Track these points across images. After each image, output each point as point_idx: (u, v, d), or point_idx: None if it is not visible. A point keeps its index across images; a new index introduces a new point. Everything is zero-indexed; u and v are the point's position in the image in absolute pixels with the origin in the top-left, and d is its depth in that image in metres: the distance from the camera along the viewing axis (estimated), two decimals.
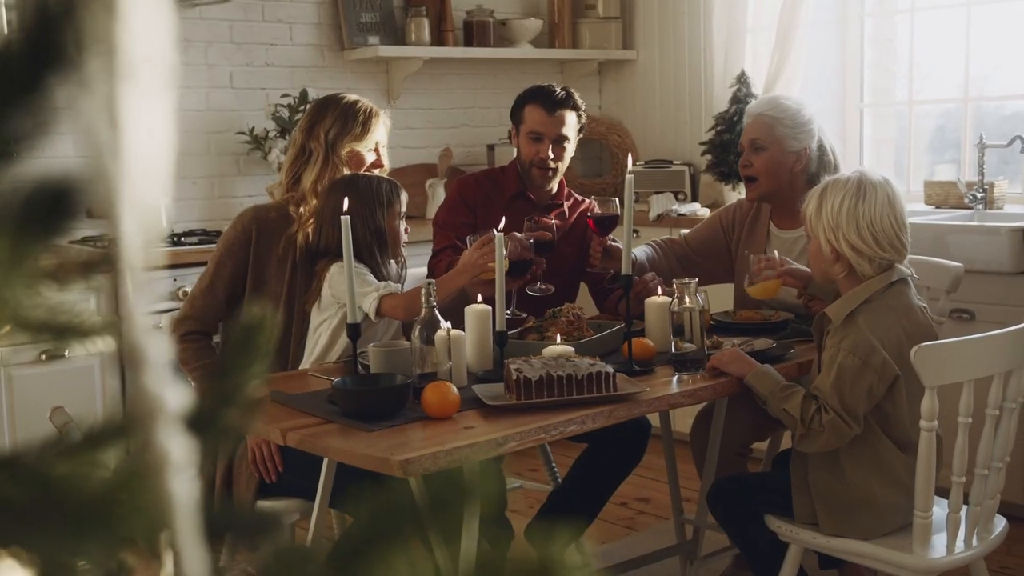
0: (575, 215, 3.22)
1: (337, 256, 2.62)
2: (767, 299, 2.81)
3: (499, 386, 2.23)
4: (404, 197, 2.74)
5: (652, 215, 4.50)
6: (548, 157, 3.04)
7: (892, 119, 4.83)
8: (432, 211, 4.64)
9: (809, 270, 2.70)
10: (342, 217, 2.26)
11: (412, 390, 2.14)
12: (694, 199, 4.85)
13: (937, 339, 2.30)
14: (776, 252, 2.81)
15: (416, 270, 3.27)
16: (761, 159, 2.94)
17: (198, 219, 4.28)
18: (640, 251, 3.01)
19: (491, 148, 4.93)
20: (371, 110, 2.78)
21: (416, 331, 2.22)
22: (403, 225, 2.73)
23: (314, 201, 2.70)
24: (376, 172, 2.81)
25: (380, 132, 2.80)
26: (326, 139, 2.71)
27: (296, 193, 2.73)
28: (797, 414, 2.21)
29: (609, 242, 2.89)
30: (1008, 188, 4.20)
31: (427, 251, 3.57)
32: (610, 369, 2.17)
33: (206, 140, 4.31)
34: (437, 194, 4.64)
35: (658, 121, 5.21)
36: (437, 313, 2.24)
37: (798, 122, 2.95)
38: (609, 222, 2.85)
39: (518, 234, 2.71)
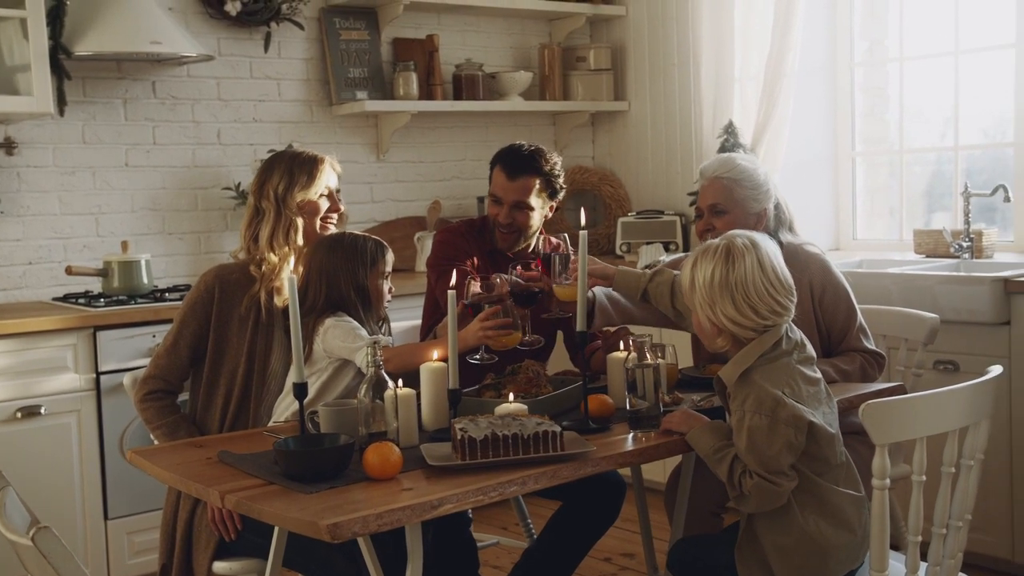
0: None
1: (326, 312, 2.63)
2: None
3: (449, 445, 2.20)
4: (390, 257, 2.75)
5: (640, 265, 4.47)
6: (504, 222, 3.02)
7: (885, 167, 4.80)
8: (421, 264, 4.65)
9: (612, 268, 2.69)
10: (288, 277, 2.27)
11: (359, 450, 2.12)
12: (685, 249, 4.83)
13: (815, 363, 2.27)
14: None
15: (406, 323, 3.26)
16: (723, 222, 2.86)
17: (185, 274, 4.30)
18: (600, 296, 2.85)
19: (481, 200, 4.93)
20: (316, 158, 2.81)
21: (363, 390, 2.20)
22: (387, 285, 2.73)
23: (271, 256, 2.71)
24: (334, 217, 2.84)
25: (329, 177, 2.82)
26: (275, 195, 2.74)
27: (256, 252, 2.74)
28: (725, 478, 2.16)
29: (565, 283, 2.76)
30: (997, 237, 4.16)
31: (416, 304, 3.58)
32: (557, 428, 2.14)
33: (193, 196, 4.34)
34: (426, 247, 4.64)
35: (650, 171, 5.20)
36: (384, 372, 2.23)
37: (756, 183, 2.91)
38: (563, 263, 2.69)
39: (504, 275, 2.68)
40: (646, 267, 4.42)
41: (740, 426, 2.15)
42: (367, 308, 2.69)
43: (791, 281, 2.24)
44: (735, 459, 2.16)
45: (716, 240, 2.26)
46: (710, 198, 2.91)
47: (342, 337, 2.58)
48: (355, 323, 2.63)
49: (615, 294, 2.87)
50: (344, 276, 2.67)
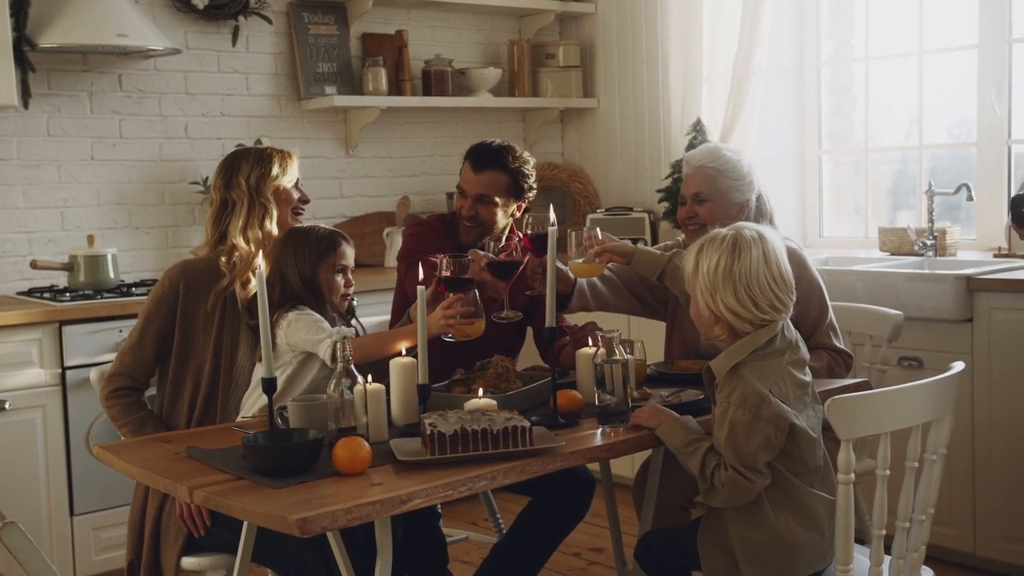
0: (525, 260, 3.19)
1: (286, 306, 2.62)
2: (590, 276, 2.78)
3: (418, 440, 2.21)
4: (345, 250, 2.72)
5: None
6: (467, 215, 3.03)
7: (851, 165, 4.85)
8: (390, 259, 4.65)
9: (631, 245, 2.71)
10: (256, 271, 2.26)
11: (328, 445, 2.12)
12: (653, 245, 4.84)
13: (807, 366, 2.28)
14: (598, 230, 2.75)
15: (375, 319, 3.26)
16: (705, 210, 2.92)
17: (152, 269, 4.27)
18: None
19: (450, 196, 4.93)
20: (284, 151, 2.83)
21: (332, 385, 2.20)
22: (342, 278, 2.71)
23: (243, 245, 2.70)
24: (304, 208, 2.86)
25: (297, 170, 2.84)
26: (248, 185, 2.73)
27: (224, 246, 2.72)
28: (697, 470, 2.18)
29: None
30: (960, 235, 4.21)
31: (386, 299, 3.57)
32: (526, 423, 2.15)
33: (160, 190, 4.31)
34: (395, 242, 4.64)
35: (619, 168, 5.23)
36: (353, 367, 2.23)
37: (740, 174, 2.94)
38: (546, 240, 2.67)
39: (480, 251, 2.69)
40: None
41: (723, 418, 2.17)
42: (319, 301, 2.67)
43: (792, 279, 2.26)
44: (708, 452, 2.18)
45: (724, 229, 2.27)
46: (694, 187, 2.95)
47: (305, 330, 2.57)
48: (317, 316, 2.62)
49: (599, 283, 2.90)
50: (292, 269, 2.65)
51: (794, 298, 2.26)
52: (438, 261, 2.64)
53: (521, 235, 2.87)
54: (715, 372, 2.24)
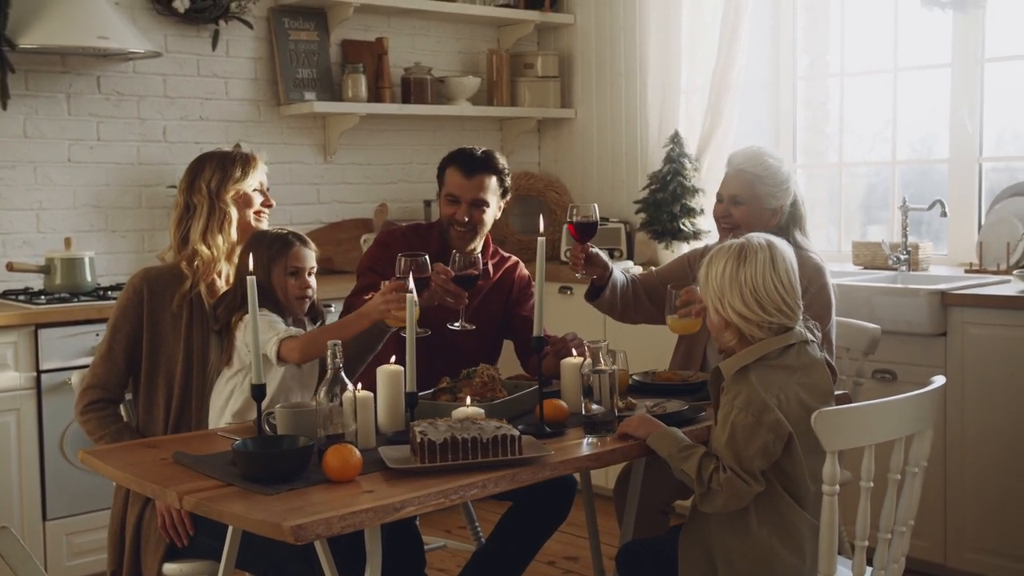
0: (500, 273, 3.23)
1: (243, 309, 2.60)
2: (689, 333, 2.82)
3: (407, 448, 2.21)
4: (299, 251, 2.70)
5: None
6: (463, 220, 3.05)
7: (824, 180, 4.91)
8: None
9: None
10: (247, 277, 2.26)
11: (318, 452, 2.12)
12: (629, 257, 4.89)
13: (832, 396, 2.31)
14: (697, 287, 2.79)
15: None
16: (740, 212, 2.98)
17: (128, 273, 4.21)
18: (616, 273, 3.04)
19: (428, 204, 4.94)
20: (248, 154, 2.83)
21: (322, 392, 2.20)
22: (296, 280, 2.69)
23: (204, 250, 2.69)
24: (266, 211, 2.84)
25: (261, 173, 2.83)
26: (208, 189, 2.72)
27: (187, 251, 2.71)
28: (694, 474, 2.20)
29: (590, 249, 2.92)
30: (933, 250, 4.27)
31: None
32: (515, 432, 2.16)
33: (137, 193, 4.29)
34: None
35: (595, 179, 5.26)
36: (343, 373, 2.23)
37: (778, 180, 2.99)
38: (589, 228, 2.85)
39: (442, 264, 2.71)
40: None
41: (725, 420, 2.20)
42: (275, 304, 2.66)
43: (799, 287, 2.30)
44: (704, 456, 2.21)
45: (736, 240, 2.33)
46: (732, 188, 3.00)
47: (260, 331, 2.56)
48: (274, 316, 2.62)
49: (628, 286, 3.04)
50: (246, 272, 2.64)
51: (802, 305, 2.31)
52: (397, 263, 2.63)
53: (566, 222, 2.94)
54: (723, 372, 2.28)
